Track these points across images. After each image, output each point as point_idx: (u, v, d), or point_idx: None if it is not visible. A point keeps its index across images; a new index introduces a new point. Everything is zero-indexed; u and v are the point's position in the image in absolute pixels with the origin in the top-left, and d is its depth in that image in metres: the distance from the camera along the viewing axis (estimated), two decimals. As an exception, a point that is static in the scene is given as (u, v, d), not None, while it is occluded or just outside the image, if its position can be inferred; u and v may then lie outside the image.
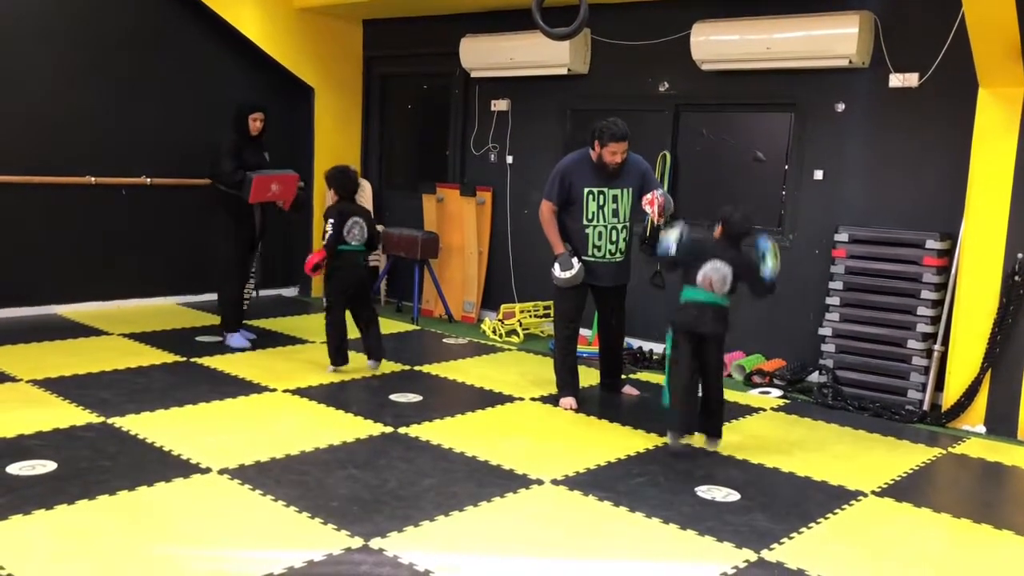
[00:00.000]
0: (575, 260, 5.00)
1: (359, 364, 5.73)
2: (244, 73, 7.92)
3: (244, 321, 6.39)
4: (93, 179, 7.11)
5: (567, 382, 5.19)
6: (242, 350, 6.07)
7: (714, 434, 4.53)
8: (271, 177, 5.85)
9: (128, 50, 7.24)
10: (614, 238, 5.07)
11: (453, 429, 4.63)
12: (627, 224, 5.11)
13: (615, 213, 5.05)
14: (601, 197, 5.02)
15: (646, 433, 4.69)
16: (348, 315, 5.61)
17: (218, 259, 6.19)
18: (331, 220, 5.44)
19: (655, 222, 5.14)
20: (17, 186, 6.74)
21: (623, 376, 5.55)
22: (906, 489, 4.10)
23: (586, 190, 5.01)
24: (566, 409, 5.07)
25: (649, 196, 4.93)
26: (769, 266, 4.34)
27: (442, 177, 8.06)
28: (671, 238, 4.47)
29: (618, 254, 5.11)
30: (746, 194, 6.58)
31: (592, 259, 5.07)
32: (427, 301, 7.79)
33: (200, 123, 7.66)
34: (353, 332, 5.65)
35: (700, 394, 4.52)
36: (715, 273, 4.35)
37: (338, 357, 5.60)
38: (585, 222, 5.04)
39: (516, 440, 4.52)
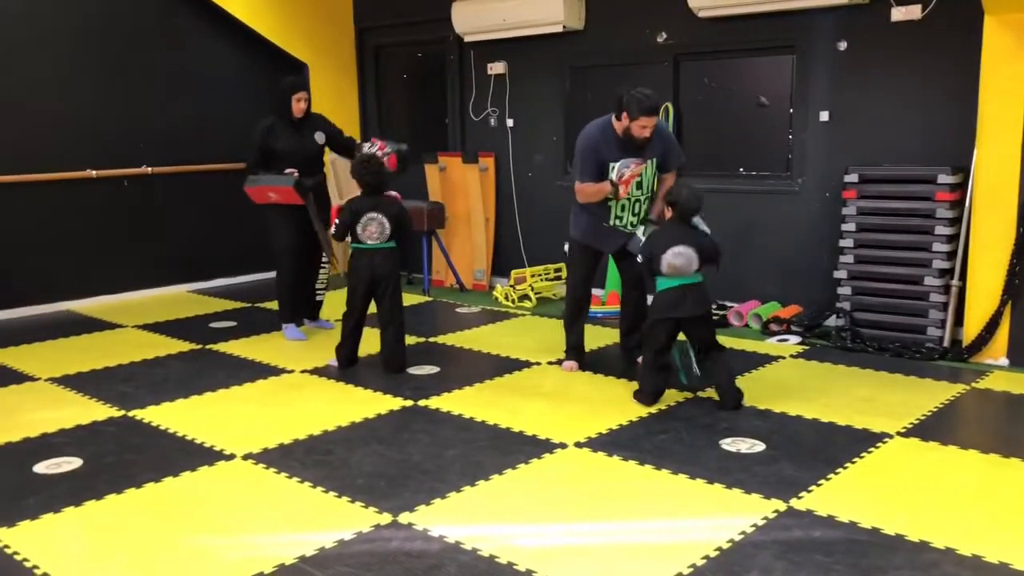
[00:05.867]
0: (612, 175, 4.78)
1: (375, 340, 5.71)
2: (236, 53, 7.84)
3: (315, 312, 6.17)
4: (94, 172, 7.09)
5: (570, 345, 5.19)
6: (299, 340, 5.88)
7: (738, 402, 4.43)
8: (266, 188, 5.66)
9: (116, 39, 7.16)
10: (636, 210, 4.89)
11: (472, 398, 4.63)
12: (650, 196, 4.89)
13: (639, 186, 4.80)
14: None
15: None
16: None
17: (271, 248, 5.99)
18: (341, 218, 5.09)
19: (618, 197, 4.80)
20: (19, 185, 6.71)
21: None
22: (931, 428, 4.08)
23: (611, 165, 4.75)
24: (566, 371, 5.09)
25: (626, 174, 4.70)
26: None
27: (443, 146, 7.98)
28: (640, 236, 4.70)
29: (639, 224, 4.95)
30: (752, 140, 6.50)
31: (610, 227, 4.93)
32: (437, 272, 7.77)
33: (195, 108, 7.62)
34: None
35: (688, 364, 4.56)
36: (677, 259, 4.32)
37: (343, 360, 5.22)
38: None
39: (536, 405, 4.51)
